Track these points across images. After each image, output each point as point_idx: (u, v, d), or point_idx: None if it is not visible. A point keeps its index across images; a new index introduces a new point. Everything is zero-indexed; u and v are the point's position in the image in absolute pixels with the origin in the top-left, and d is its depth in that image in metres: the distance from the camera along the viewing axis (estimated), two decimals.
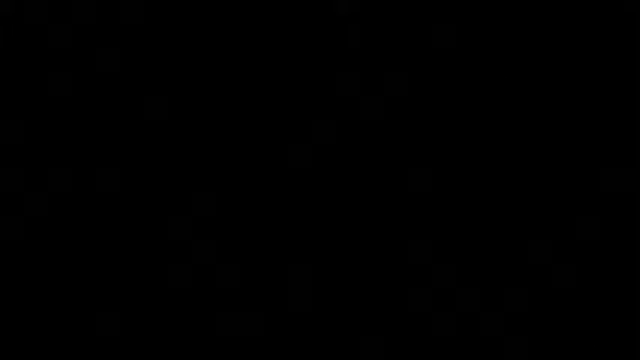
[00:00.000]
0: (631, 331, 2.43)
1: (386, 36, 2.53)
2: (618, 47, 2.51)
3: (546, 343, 2.45)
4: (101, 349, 2.45)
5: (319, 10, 2.52)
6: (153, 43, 2.54)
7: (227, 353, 2.46)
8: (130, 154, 2.51)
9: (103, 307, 2.47)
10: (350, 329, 2.47)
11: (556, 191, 2.49)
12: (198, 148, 2.52)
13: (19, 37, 2.52)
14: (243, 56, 2.54)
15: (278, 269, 2.48)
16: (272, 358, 2.46)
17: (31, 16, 2.53)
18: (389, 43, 2.53)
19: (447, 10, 2.53)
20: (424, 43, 2.52)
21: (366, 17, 2.53)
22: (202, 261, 2.48)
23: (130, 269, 2.48)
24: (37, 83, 2.53)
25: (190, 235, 2.49)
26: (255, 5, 2.54)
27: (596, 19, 2.52)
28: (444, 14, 2.53)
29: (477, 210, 2.49)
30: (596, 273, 2.46)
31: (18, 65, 2.53)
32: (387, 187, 2.50)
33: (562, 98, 2.51)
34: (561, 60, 2.52)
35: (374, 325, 2.46)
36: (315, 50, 2.53)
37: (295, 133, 2.52)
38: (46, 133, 2.51)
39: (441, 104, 2.52)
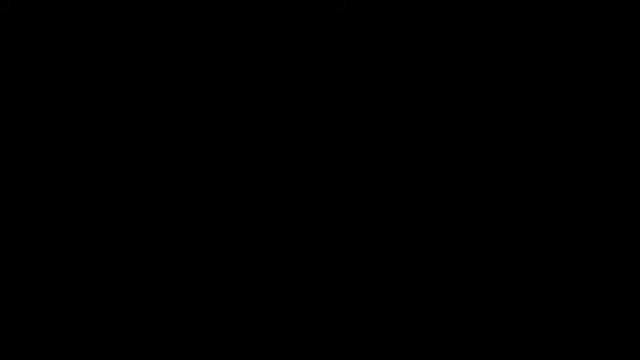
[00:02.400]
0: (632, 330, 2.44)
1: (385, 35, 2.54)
2: (619, 47, 2.51)
3: (546, 344, 2.45)
4: (101, 349, 2.46)
5: (319, 8, 2.53)
6: (153, 43, 2.54)
7: (227, 353, 2.47)
8: (130, 154, 2.51)
9: (103, 306, 2.47)
10: (350, 329, 2.47)
11: (557, 191, 2.50)
12: (198, 147, 2.52)
13: (18, 37, 2.53)
14: (241, 55, 2.54)
15: (278, 269, 2.49)
16: (272, 358, 2.46)
17: (30, 15, 2.53)
18: (388, 42, 2.53)
19: (449, 9, 2.53)
20: (424, 42, 2.53)
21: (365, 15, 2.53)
22: (202, 260, 2.49)
23: (129, 269, 2.48)
24: (36, 83, 2.53)
25: (190, 234, 2.49)
26: (255, 3, 2.54)
27: (596, 18, 2.52)
28: (446, 13, 2.53)
29: (479, 210, 2.50)
30: (598, 273, 2.47)
31: (18, 65, 2.53)
32: (387, 186, 2.51)
33: (564, 98, 2.52)
34: (563, 59, 2.52)
35: (374, 325, 2.47)
36: (315, 48, 2.53)
37: (294, 132, 2.52)
38: (46, 133, 2.52)
39: (443, 104, 2.53)
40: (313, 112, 2.53)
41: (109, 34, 2.54)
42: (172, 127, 2.53)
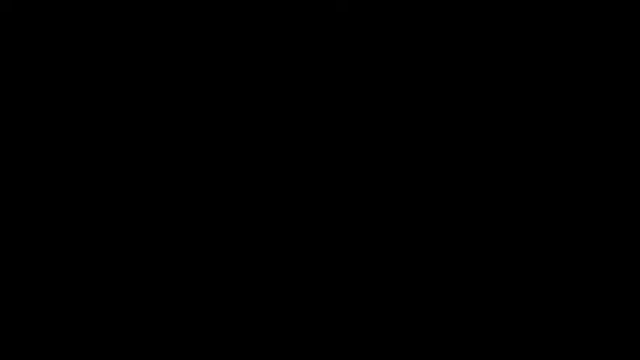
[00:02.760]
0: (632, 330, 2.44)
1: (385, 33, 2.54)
2: (620, 47, 2.51)
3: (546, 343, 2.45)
4: (101, 349, 2.46)
5: (319, 8, 2.53)
6: (153, 43, 2.54)
7: (227, 353, 2.46)
8: (130, 154, 2.51)
9: (103, 307, 2.47)
10: (350, 329, 2.47)
11: (558, 191, 2.50)
12: (198, 147, 2.52)
13: (18, 37, 2.53)
14: (242, 55, 2.54)
15: (278, 268, 2.49)
16: (272, 358, 2.46)
17: (30, 15, 2.53)
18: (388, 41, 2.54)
19: (449, 8, 2.53)
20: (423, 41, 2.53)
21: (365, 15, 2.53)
22: (201, 260, 2.49)
23: (129, 269, 2.48)
24: (36, 83, 2.53)
25: (189, 234, 2.49)
26: (255, 3, 2.54)
27: (597, 18, 2.52)
28: (447, 12, 2.53)
29: (479, 210, 2.50)
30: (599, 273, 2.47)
31: (18, 65, 2.53)
32: (386, 186, 2.51)
33: (564, 98, 2.52)
34: (563, 60, 2.52)
35: (374, 325, 2.47)
36: (315, 48, 2.53)
37: (294, 132, 2.52)
38: (46, 133, 2.52)
39: (444, 104, 2.53)
40: (313, 111, 2.53)
41: (109, 34, 2.54)
42: (172, 127, 2.53)
